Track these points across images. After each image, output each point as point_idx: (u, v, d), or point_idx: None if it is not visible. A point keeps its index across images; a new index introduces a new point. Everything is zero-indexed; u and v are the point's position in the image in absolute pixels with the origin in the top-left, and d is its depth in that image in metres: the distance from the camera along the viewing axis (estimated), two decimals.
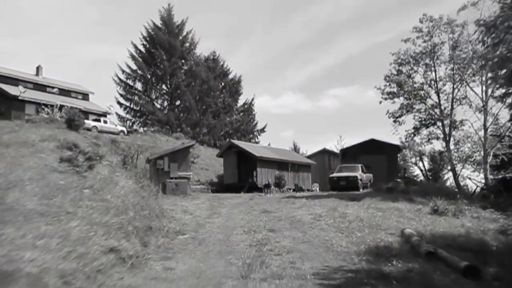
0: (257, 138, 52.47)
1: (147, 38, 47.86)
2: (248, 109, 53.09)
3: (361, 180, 24.81)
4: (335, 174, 25.70)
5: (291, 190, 28.21)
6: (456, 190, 26.91)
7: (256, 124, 53.13)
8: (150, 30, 47.88)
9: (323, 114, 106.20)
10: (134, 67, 46.85)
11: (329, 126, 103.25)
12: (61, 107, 30.48)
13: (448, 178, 34.48)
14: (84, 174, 11.66)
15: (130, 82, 47.13)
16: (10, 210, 7.59)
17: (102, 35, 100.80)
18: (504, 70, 11.58)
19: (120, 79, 46.58)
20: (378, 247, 9.28)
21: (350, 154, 31.14)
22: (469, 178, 29.92)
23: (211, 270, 7.21)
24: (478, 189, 26.60)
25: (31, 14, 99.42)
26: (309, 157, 37.93)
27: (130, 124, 45.87)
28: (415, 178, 33.09)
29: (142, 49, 47.74)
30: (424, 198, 18.28)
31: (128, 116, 46.73)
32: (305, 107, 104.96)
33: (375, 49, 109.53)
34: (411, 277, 6.87)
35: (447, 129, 30.92)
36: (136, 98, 46.73)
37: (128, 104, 46.72)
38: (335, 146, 42.38)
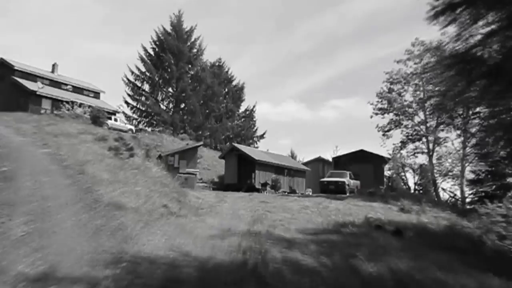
0: (256, 144, 56.76)
1: (157, 42, 52.22)
2: (249, 115, 57.48)
3: (348, 185, 28.98)
4: (325, 179, 29.93)
5: (286, 193, 32.33)
6: (435, 199, 31.28)
7: (256, 130, 57.50)
8: (160, 35, 52.28)
9: (322, 124, 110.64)
10: (143, 69, 51.14)
11: (327, 136, 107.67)
12: (80, 104, 34.69)
13: (439, 189, 38.63)
14: (126, 160, 15.86)
15: (138, 83, 51.42)
16: (94, 178, 11.81)
17: (107, 33, 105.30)
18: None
19: (128, 79, 50.92)
20: (344, 222, 13.51)
21: (341, 162, 35.41)
22: (443, 190, 34.17)
23: (228, 223, 11.47)
24: (453, 199, 31.04)
25: (35, 9, 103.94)
26: (305, 164, 42.07)
27: (136, 123, 50.03)
28: (406, 189, 37.21)
29: (152, 53, 52.08)
30: (397, 201, 22.52)
31: (134, 115, 50.98)
32: (305, 116, 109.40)
33: (377, 62, 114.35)
34: (357, 234, 11.11)
35: (431, 145, 35.37)
36: (143, 98, 50.97)
37: (135, 104, 50.97)
38: (330, 155, 46.60)
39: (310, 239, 9.79)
